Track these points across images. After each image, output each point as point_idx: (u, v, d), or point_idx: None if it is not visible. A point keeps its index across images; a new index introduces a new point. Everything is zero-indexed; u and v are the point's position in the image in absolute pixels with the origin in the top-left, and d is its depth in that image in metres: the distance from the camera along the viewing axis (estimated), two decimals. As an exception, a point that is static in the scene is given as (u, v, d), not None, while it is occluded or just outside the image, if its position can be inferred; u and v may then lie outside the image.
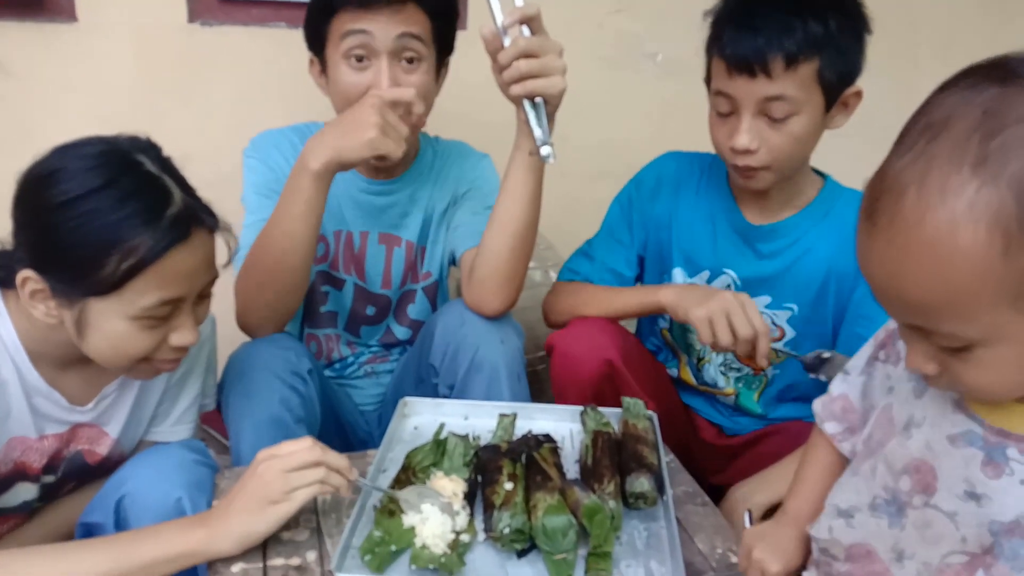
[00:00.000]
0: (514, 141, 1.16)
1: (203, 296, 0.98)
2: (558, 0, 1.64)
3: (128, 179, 0.88)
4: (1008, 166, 0.53)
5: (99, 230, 0.85)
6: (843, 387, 0.87)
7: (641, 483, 0.96)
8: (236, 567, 0.87)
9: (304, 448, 0.88)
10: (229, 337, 1.24)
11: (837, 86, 1.13)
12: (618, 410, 1.15)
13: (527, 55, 1.04)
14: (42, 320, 0.91)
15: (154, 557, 0.83)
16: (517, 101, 1.09)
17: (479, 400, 1.19)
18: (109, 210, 0.85)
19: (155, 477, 0.94)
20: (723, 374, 1.39)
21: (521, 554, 0.90)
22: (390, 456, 1.08)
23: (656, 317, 1.46)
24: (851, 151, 1.21)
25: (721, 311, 1.13)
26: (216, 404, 1.21)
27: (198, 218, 0.92)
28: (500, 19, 1.04)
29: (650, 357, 1.43)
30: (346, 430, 1.41)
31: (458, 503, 0.94)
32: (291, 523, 0.91)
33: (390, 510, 0.93)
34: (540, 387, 1.49)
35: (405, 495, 0.93)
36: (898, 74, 1.72)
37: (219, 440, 1.65)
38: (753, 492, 1.23)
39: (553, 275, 1.53)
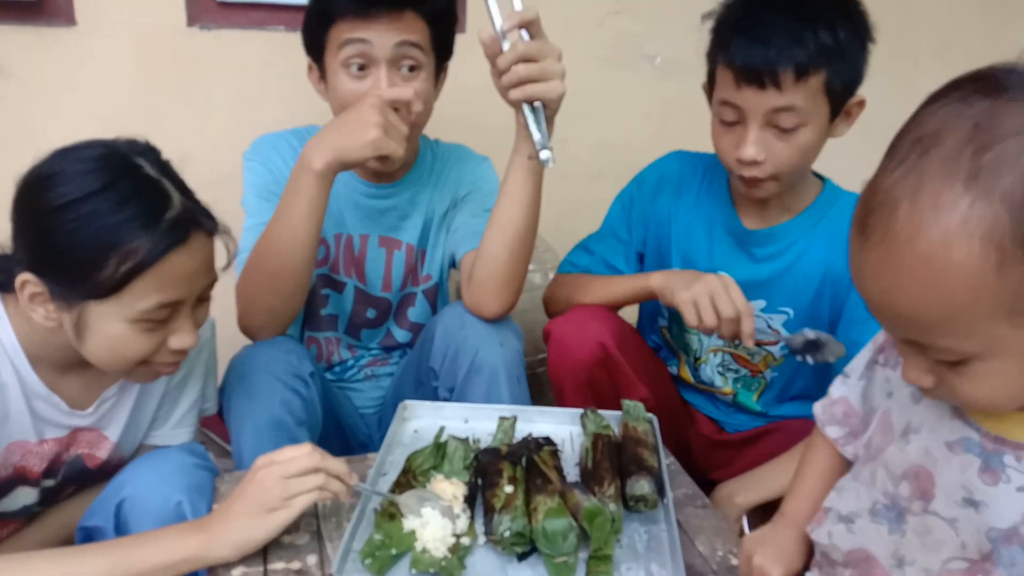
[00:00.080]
0: (513, 145, 1.16)
1: (202, 299, 0.98)
2: (557, 1, 1.64)
3: (127, 182, 0.88)
4: (1001, 181, 0.53)
5: (98, 233, 0.85)
6: (843, 390, 0.87)
7: (641, 486, 0.96)
8: (236, 571, 0.87)
9: (303, 454, 0.88)
10: (229, 340, 1.24)
11: (843, 95, 1.13)
12: (618, 413, 1.15)
13: (526, 59, 1.04)
14: (41, 323, 0.91)
15: (153, 563, 0.83)
16: (516, 105, 1.09)
17: (479, 403, 1.19)
18: (108, 213, 0.85)
19: (155, 481, 0.94)
20: (721, 374, 1.39)
21: (522, 557, 0.90)
22: (390, 459, 1.08)
23: (655, 315, 1.47)
24: (851, 152, 1.20)
25: (705, 293, 1.13)
26: (217, 407, 1.21)
27: (197, 221, 0.92)
28: (499, 23, 1.04)
29: (645, 345, 1.43)
30: (346, 433, 1.41)
31: (458, 506, 0.94)
32: (291, 527, 0.90)
33: (390, 513, 0.93)
34: (540, 389, 1.49)
35: (405, 499, 0.93)
36: (898, 74, 1.72)
37: (219, 444, 1.65)
38: (740, 490, 1.23)
39: (552, 277, 1.53)
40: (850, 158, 1.19)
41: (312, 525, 0.95)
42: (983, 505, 0.66)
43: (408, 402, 1.19)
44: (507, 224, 1.19)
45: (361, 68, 1.20)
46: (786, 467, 1.16)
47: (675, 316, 1.40)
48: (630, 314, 1.44)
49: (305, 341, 1.45)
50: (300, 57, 1.30)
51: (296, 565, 0.89)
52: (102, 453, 1.06)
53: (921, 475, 0.71)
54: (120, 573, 0.81)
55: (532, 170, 1.16)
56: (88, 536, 0.97)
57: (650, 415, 1.15)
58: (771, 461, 1.25)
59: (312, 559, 0.90)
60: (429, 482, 0.98)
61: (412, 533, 0.90)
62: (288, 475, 0.86)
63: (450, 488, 0.96)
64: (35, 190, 0.88)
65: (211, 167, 1.39)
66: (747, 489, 1.23)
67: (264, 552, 0.89)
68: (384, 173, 1.34)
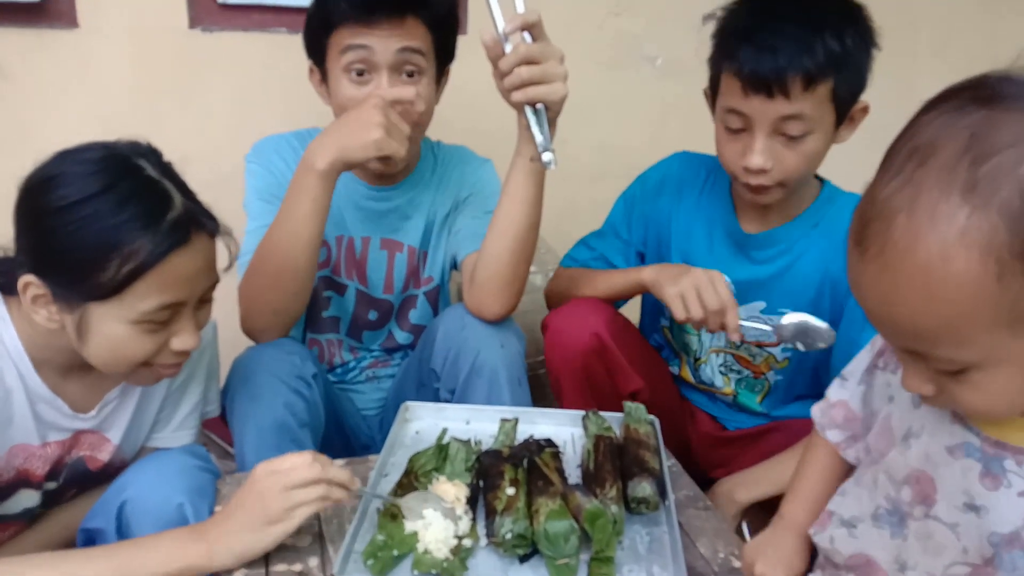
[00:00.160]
0: (515, 147, 1.16)
1: (204, 300, 0.97)
2: (557, 2, 1.65)
3: (128, 183, 0.88)
4: (998, 192, 0.53)
5: (99, 234, 0.85)
6: (841, 393, 0.87)
7: (643, 488, 0.96)
8: (239, 573, 0.87)
9: (305, 464, 0.86)
10: (231, 342, 1.24)
11: (848, 102, 1.13)
12: (619, 415, 1.15)
13: (528, 61, 1.04)
14: (44, 325, 0.91)
15: (154, 571, 0.83)
16: (518, 107, 1.09)
17: (480, 404, 1.19)
18: (109, 214, 0.85)
19: (157, 483, 0.94)
20: (723, 374, 1.39)
21: (523, 559, 0.90)
22: (392, 461, 1.08)
23: (657, 315, 1.47)
24: (850, 152, 1.20)
25: (692, 287, 1.14)
26: (220, 410, 1.21)
27: (198, 222, 0.92)
28: (501, 25, 1.04)
29: (641, 338, 1.43)
30: (348, 435, 1.41)
31: (460, 508, 0.94)
32: (293, 529, 0.90)
33: (393, 514, 0.93)
34: (541, 391, 1.49)
35: (407, 502, 0.93)
36: (898, 73, 1.72)
37: (221, 445, 1.65)
38: (740, 486, 1.23)
39: (545, 299, 1.54)
40: (850, 159, 1.19)
41: (314, 527, 0.95)
42: (984, 510, 0.66)
43: (410, 403, 1.20)
44: (508, 226, 1.19)
45: (361, 73, 1.21)
46: (786, 464, 1.16)
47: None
48: (633, 314, 1.44)
49: (307, 343, 1.45)
50: (301, 59, 1.30)
51: (298, 567, 0.89)
52: (104, 455, 1.06)
53: (922, 480, 0.71)
54: None
55: (534, 172, 1.16)
56: (89, 538, 0.97)
57: (652, 417, 1.15)
58: (771, 458, 1.25)
59: (314, 561, 0.90)
60: (431, 483, 0.98)
61: (414, 534, 0.90)
62: (290, 486, 0.85)
63: (452, 490, 0.96)
64: (37, 192, 0.88)
65: (212, 168, 1.39)
66: (747, 486, 1.23)
67: (266, 554, 0.89)
68: (386, 175, 1.34)
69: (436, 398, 1.28)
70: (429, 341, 1.30)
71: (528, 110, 1.08)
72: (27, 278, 0.88)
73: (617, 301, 1.37)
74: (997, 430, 0.66)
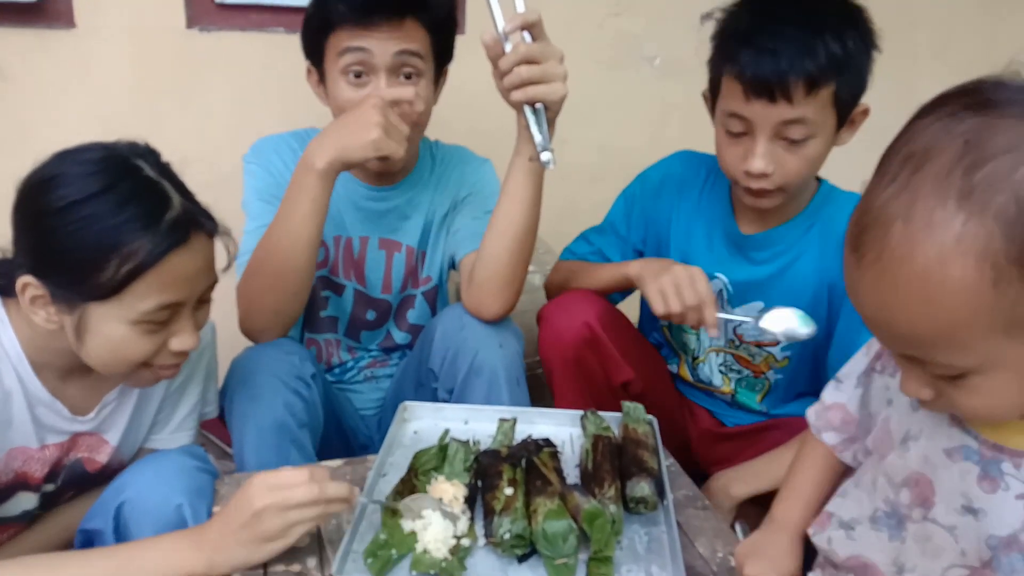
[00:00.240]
0: (514, 146, 1.16)
1: (203, 301, 0.97)
2: (557, 2, 1.64)
3: (127, 184, 0.88)
4: (994, 199, 0.53)
5: (98, 234, 0.85)
6: (837, 396, 0.87)
7: (642, 487, 0.96)
8: (236, 573, 0.87)
9: (302, 483, 0.84)
10: (229, 342, 1.24)
11: (849, 105, 1.13)
12: (618, 414, 1.15)
13: (528, 61, 1.04)
14: (43, 326, 0.90)
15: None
16: (518, 107, 1.09)
17: (478, 404, 1.19)
18: (108, 214, 0.85)
19: (155, 483, 0.94)
20: (722, 374, 1.39)
21: (522, 559, 0.90)
22: (390, 461, 1.08)
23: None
24: (849, 153, 1.20)
25: (671, 283, 1.14)
26: (219, 411, 1.21)
27: (197, 222, 0.92)
28: (501, 25, 1.04)
29: (634, 331, 1.44)
30: (347, 435, 1.41)
31: (459, 507, 0.94)
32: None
33: (394, 511, 0.93)
34: (540, 391, 1.49)
35: (407, 503, 0.93)
36: (898, 75, 1.72)
37: (219, 445, 1.65)
38: (735, 481, 1.24)
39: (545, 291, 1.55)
40: (849, 159, 1.19)
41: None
42: (982, 513, 0.66)
43: (408, 403, 1.19)
44: (507, 226, 1.19)
45: (359, 75, 1.21)
46: (782, 459, 1.16)
47: None
48: (632, 314, 1.44)
49: (305, 343, 1.45)
50: (299, 59, 1.30)
51: (296, 568, 0.89)
52: (102, 457, 1.06)
53: (921, 482, 0.71)
54: None
55: (533, 172, 1.16)
56: (88, 539, 0.97)
57: (650, 417, 1.15)
58: (767, 453, 1.25)
59: (312, 561, 0.90)
60: (430, 483, 0.98)
61: (413, 534, 0.90)
62: (287, 507, 0.83)
63: (451, 489, 0.96)
64: (35, 193, 0.88)
65: (210, 169, 1.39)
66: (743, 481, 1.23)
67: (264, 555, 0.89)
68: (384, 175, 1.34)
69: (434, 398, 1.28)
70: (427, 341, 1.30)
71: (527, 110, 1.08)
72: (26, 279, 0.88)
73: (611, 295, 1.38)
74: (995, 433, 0.66)
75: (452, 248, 1.39)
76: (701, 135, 1.29)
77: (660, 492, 0.97)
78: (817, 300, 1.26)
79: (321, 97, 1.31)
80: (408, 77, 1.22)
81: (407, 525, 0.91)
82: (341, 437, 1.39)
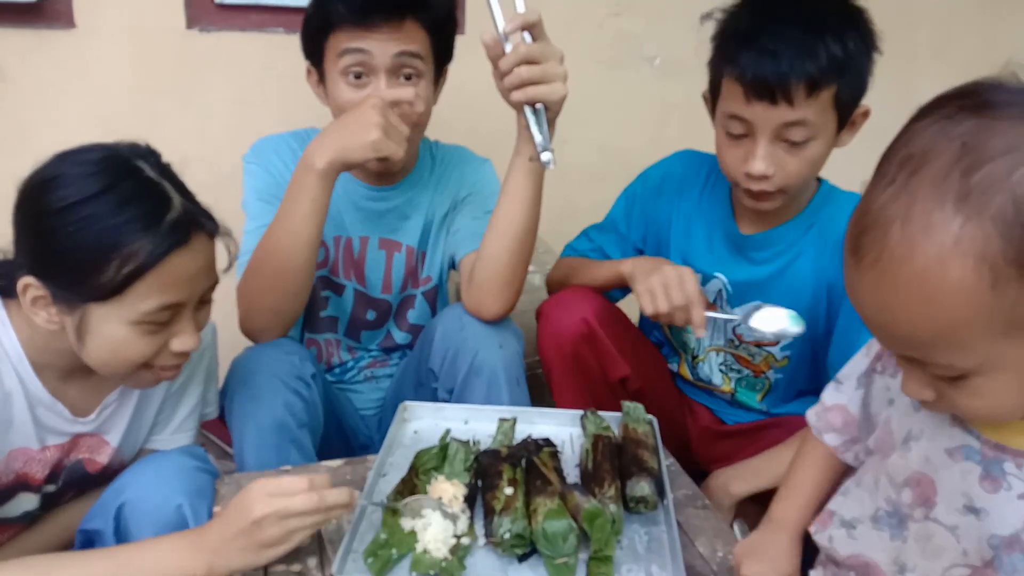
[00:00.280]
0: (514, 147, 1.16)
1: (204, 301, 0.97)
2: (557, 2, 1.65)
3: (127, 184, 0.88)
4: (991, 201, 0.53)
5: (99, 235, 0.85)
6: (837, 397, 0.87)
7: (642, 487, 0.96)
8: (236, 573, 0.87)
9: (301, 491, 0.84)
10: (230, 342, 1.24)
11: (850, 107, 1.12)
12: (618, 414, 1.16)
13: (528, 61, 1.04)
14: (44, 327, 0.90)
15: None
16: (518, 107, 1.09)
17: (478, 404, 1.19)
18: (109, 215, 0.85)
19: (155, 483, 0.94)
20: (723, 373, 1.39)
21: (522, 559, 0.90)
22: (390, 461, 1.08)
23: None
24: (849, 153, 1.20)
25: (660, 283, 1.14)
26: (219, 411, 1.21)
27: (198, 223, 0.92)
28: (502, 25, 1.04)
29: (632, 328, 1.44)
30: (347, 434, 1.41)
31: (459, 506, 0.94)
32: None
33: (394, 510, 0.93)
34: (540, 391, 1.49)
35: (407, 503, 0.93)
36: (897, 75, 1.72)
37: (219, 445, 1.65)
38: (734, 479, 1.23)
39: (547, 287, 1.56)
40: (849, 158, 1.19)
41: (313, 527, 0.95)
42: (984, 512, 0.66)
43: (408, 403, 1.20)
44: (507, 225, 1.19)
45: (359, 76, 1.21)
46: (782, 457, 1.16)
47: None
48: (633, 312, 1.45)
49: (305, 343, 1.45)
50: (299, 59, 1.30)
51: (296, 567, 0.89)
52: (103, 458, 1.06)
53: (923, 482, 0.71)
54: None
55: (533, 172, 1.16)
56: (88, 539, 0.97)
57: (650, 416, 1.15)
58: (767, 451, 1.25)
59: (312, 561, 0.90)
60: (430, 483, 0.98)
61: (413, 534, 0.90)
62: (285, 516, 0.83)
63: (451, 488, 0.96)
64: (36, 193, 0.88)
65: (210, 169, 1.40)
66: (741, 478, 1.23)
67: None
68: (384, 175, 1.34)
69: (434, 398, 1.28)
70: (427, 341, 1.30)
71: (527, 110, 1.08)
72: (27, 280, 0.88)
73: (611, 292, 1.38)
74: (997, 433, 0.67)
75: (452, 248, 1.39)
76: (701, 135, 1.29)
77: (660, 492, 0.97)
78: (816, 300, 1.26)
79: (321, 97, 1.31)
80: (408, 78, 1.22)
81: (407, 524, 0.91)
82: (341, 437, 1.39)
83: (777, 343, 1.31)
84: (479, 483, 0.99)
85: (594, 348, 1.27)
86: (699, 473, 1.30)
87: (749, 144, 1.13)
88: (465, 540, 0.91)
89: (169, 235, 0.87)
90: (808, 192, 1.27)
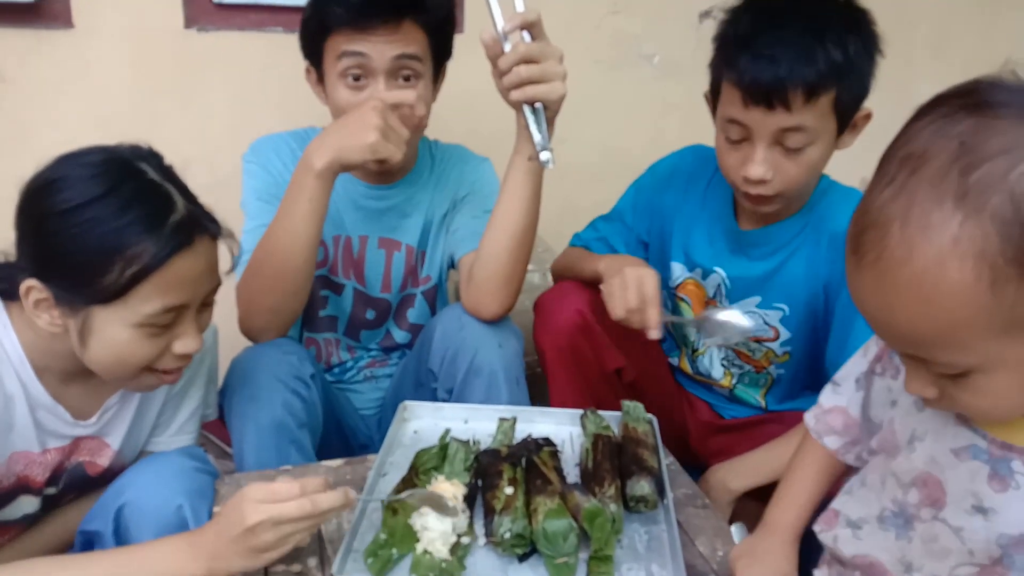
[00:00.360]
0: (514, 146, 1.16)
1: (206, 304, 0.97)
2: (556, 1, 1.64)
3: (130, 186, 0.88)
4: (989, 201, 0.53)
5: (101, 237, 0.85)
6: (836, 399, 0.87)
7: (642, 486, 0.96)
8: (237, 573, 0.87)
9: (294, 498, 0.82)
10: (229, 342, 1.24)
11: (851, 111, 1.12)
12: (618, 414, 1.16)
13: (527, 60, 1.04)
14: (46, 330, 0.90)
15: None
16: (517, 106, 1.09)
17: (478, 404, 1.19)
18: (111, 217, 0.85)
19: (155, 484, 0.94)
20: (724, 368, 1.39)
21: (522, 558, 0.90)
22: (390, 460, 1.08)
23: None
24: (848, 153, 1.20)
25: (619, 284, 1.15)
26: (219, 412, 1.21)
27: (201, 225, 0.92)
28: (501, 24, 1.04)
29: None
30: (347, 434, 1.41)
31: (458, 505, 0.94)
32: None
33: (394, 509, 0.93)
34: (539, 390, 1.49)
35: (411, 493, 0.93)
36: (896, 74, 1.72)
37: (218, 445, 1.65)
38: (732, 474, 1.24)
39: (551, 279, 1.56)
40: (848, 158, 1.20)
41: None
42: (992, 512, 0.66)
43: (408, 403, 1.20)
44: (507, 225, 1.19)
45: (358, 78, 1.20)
46: (779, 451, 1.16)
47: (674, 308, 1.41)
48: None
49: (304, 342, 1.45)
50: (298, 59, 1.30)
51: (296, 568, 0.89)
52: (103, 461, 1.06)
53: (930, 483, 0.71)
54: None
55: (532, 171, 1.16)
56: (88, 540, 0.97)
57: (650, 416, 1.15)
58: (765, 445, 1.25)
59: (312, 561, 0.91)
60: (430, 482, 0.98)
61: (413, 534, 0.90)
62: (279, 522, 0.82)
63: (451, 488, 0.96)
64: (38, 196, 0.88)
65: (210, 169, 1.39)
66: (740, 474, 1.23)
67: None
68: (384, 174, 1.34)
69: (434, 398, 1.28)
70: (427, 341, 1.30)
71: (527, 109, 1.08)
72: (29, 282, 0.88)
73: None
74: (1003, 431, 0.67)
75: (451, 247, 1.39)
76: (701, 135, 1.29)
77: (660, 491, 0.98)
78: (813, 295, 1.26)
79: (320, 96, 1.31)
80: (407, 79, 1.22)
81: (416, 521, 0.90)
82: (341, 437, 1.39)
83: (777, 338, 1.31)
84: (479, 483, 0.99)
85: (589, 339, 1.28)
86: (697, 466, 1.30)
87: (747, 148, 1.13)
88: (465, 540, 0.91)
89: (172, 237, 0.87)
90: (809, 191, 1.27)
